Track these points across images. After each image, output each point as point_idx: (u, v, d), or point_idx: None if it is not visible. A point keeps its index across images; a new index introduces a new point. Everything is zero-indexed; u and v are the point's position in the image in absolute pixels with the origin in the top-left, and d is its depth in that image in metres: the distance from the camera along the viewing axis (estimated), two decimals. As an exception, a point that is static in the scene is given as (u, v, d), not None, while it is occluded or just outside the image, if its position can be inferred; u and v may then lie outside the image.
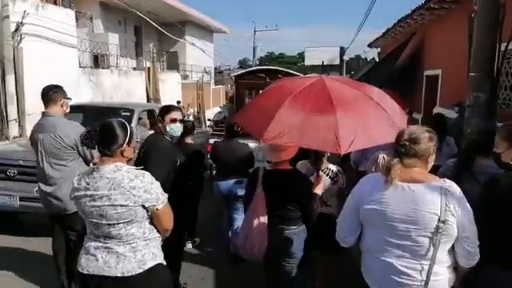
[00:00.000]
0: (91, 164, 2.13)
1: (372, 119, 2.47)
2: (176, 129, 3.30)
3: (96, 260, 2.04)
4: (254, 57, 36.98)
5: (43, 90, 3.33)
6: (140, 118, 5.96)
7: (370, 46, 16.85)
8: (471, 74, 4.20)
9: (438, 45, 8.93)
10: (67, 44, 9.88)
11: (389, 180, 1.84)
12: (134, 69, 15.47)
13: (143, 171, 2.08)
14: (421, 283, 1.83)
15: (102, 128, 2.08)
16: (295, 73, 8.35)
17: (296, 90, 2.56)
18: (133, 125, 5.27)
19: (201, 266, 4.31)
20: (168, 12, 17.91)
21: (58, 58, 9.31)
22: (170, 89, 16.52)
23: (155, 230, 2.15)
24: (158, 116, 3.38)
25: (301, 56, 40.26)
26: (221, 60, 37.40)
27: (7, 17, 7.87)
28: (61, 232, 3.47)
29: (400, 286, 1.87)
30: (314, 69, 24.20)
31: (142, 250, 2.06)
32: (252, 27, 35.98)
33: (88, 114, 5.65)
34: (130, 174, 2.02)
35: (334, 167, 3.38)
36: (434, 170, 2.08)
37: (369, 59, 21.22)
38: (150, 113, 6.26)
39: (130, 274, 2.01)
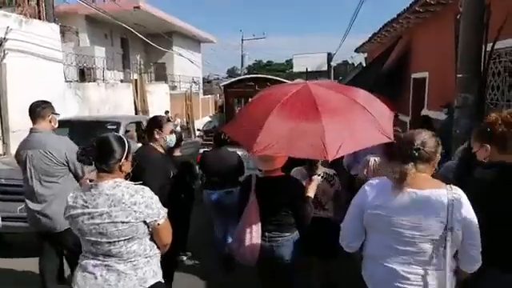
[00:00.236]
0: (87, 181, 2.07)
1: (358, 123, 2.49)
2: (172, 140, 3.31)
3: (95, 278, 1.98)
4: (242, 65, 37.14)
5: (31, 106, 3.27)
6: (127, 131, 5.87)
7: (356, 51, 16.97)
8: (459, 76, 4.21)
9: (424, 47, 9.00)
10: (52, 58, 9.76)
11: (402, 186, 1.82)
12: (122, 81, 15.37)
13: (142, 186, 2.04)
14: None
15: (98, 143, 2.03)
16: (284, 80, 8.34)
17: (283, 99, 2.57)
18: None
19: (192, 276, 4.25)
20: (154, 23, 17.90)
21: (42, 72, 9.18)
22: (159, 100, 16.43)
23: (155, 247, 2.12)
24: (153, 128, 3.24)
25: (289, 63, 40.52)
26: (209, 69, 37.58)
27: (-11, 33, 7.74)
28: (50, 251, 3.38)
29: None
30: (302, 75, 24.27)
31: (144, 268, 2.03)
32: (239, 36, 36.14)
33: (73, 128, 5.54)
34: (129, 189, 1.98)
35: (330, 171, 3.44)
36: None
37: (356, 64, 21.40)
38: (138, 125, 6.18)
39: None
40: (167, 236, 2.14)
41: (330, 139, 2.29)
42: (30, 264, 4.14)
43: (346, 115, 2.52)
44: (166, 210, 2.08)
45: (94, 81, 12.67)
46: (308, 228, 2.79)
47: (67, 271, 3.59)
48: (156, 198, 2.05)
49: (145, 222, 1.98)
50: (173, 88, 20.06)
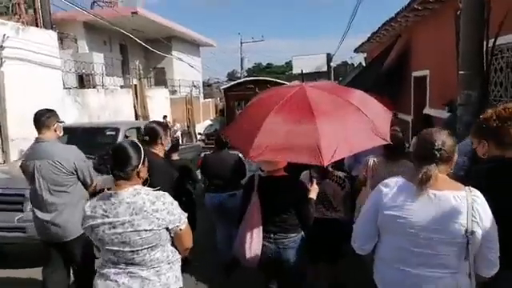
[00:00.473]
0: (105, 189, 2.03)
1: (353, 125, 2.50)
2: (168, 144, 3.38)
3: (118, 286, 1.96)
4: (241, 68, 37.19)
5: (35, 115, 3.23)
6: (126, 137, 5.81)
7: (355, 51, 16.94)
8: (461, 72, 4.15)
9: (424, 45, 8.95)
10: (51, 66, 9.72)
11: (425, 187, 1.76)
12: (121, 87, 15.34)
13: (162, 192, 2.02)
14: None
15: (114, 151, 2.03)
16: (283, 82, 8.30)
17: (279, 102, 2.59)
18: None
19: (193, 280, 4.18)
20: (153, 29, 17.90)
21: (41, 80, 9.12)
22: (159, 105, 16.39)
23: (177, 252, 2.13)
24: (159, 134, 3.21)
25: (288, 65, 40.54)
26: (209, 73, 37.60)
27: (-14, 41, 7.70)
28: (57, 261, 3.33)
29: None
30: (301, 77, 24.28)
31: (166, 274, 2.03)
32: (238, 39, 36.23)
33: (72, 135, 5.46)
34: (150, 196, 1.96)
35: (340, 173, 3.50)
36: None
37: (356, 64, 21.38)
38: (138, 131, 6.11)
39: None
40: (188, 240, 2.14)
41: (325, 144, 2.29)
42: (28, 274, 4.11)
43: (341, 118, 2.52)
44: (186, 214, 2.08)
45: (94, 87, 12.63)
46: (316, 229, 2.81)
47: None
48: (176, 203, 2.04)
49: (167, 228, 1.98)
50: (173, 92, 20.02)
